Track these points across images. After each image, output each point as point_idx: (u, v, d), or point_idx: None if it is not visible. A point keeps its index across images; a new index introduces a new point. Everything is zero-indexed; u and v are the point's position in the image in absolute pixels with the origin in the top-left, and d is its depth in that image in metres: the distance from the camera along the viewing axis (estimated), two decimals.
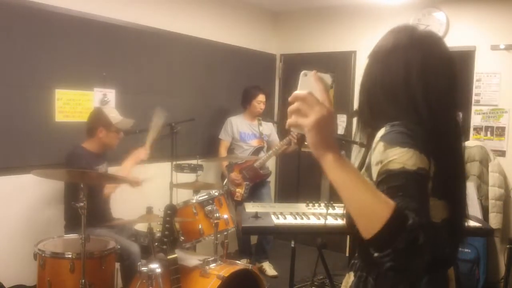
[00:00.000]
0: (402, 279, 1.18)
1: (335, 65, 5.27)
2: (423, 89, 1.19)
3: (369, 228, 0.92)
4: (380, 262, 0.93)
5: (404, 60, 1.21)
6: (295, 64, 5.61)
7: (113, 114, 3.33)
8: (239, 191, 4.42)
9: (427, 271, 1.21)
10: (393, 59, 1.23)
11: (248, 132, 4.59)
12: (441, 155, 1.14)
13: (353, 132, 4.55)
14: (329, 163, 0.96)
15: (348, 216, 1.18)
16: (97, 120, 3.30)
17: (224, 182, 4.40)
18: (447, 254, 1.27)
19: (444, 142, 1.19)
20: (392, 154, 1.07)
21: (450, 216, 1.22)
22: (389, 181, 1.03)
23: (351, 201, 0.95)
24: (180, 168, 3.72)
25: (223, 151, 4.59)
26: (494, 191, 4.14)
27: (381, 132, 1.15)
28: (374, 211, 0.92)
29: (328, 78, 1.03)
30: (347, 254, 4.83)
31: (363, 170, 1.23)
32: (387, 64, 1.24)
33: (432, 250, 1.00)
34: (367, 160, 1.22)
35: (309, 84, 1.01)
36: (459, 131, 1.28)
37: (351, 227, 1.10)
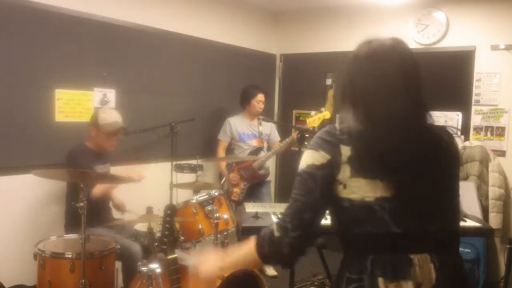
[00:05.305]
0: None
1: (335, 65, 5.26)
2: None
3: (257, 266, 1.55)
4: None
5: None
6: (295, 64, 5.60)
7: (104, 115, 3.26)
8: (236, 191, 4.42)
9: (371, 250, 1.30)
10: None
11: (247, 132, 4.58)
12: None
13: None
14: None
15: None
16: (91, 120, 3.33)
17: (222, 181, 4.39)
18: (395, 234, 1.29)
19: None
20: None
21: (391, 195, 1.28)
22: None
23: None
24: (180, 168, 3.72)
25: (221, 152, 4.59)
26: (494, 191, 4.14)
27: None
28: (250, 265, 1.47)
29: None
30: None
31: None
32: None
33: (364, 228, 1.30)
34: None
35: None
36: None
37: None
